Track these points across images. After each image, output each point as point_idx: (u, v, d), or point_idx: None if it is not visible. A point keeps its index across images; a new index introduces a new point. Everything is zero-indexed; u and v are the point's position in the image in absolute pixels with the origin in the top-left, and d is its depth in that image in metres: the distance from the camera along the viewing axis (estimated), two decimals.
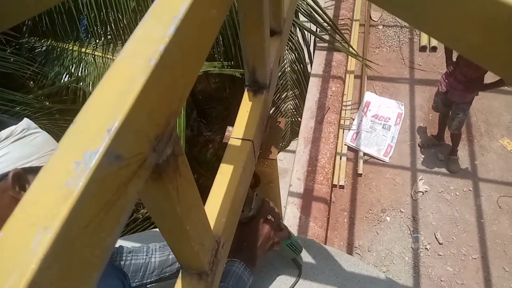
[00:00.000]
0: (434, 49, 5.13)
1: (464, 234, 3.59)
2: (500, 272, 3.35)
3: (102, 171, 0.34)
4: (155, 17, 0.46)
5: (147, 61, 0.41)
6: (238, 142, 0.88)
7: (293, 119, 4.51)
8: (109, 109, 0.37)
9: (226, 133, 1.04)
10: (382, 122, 4.51)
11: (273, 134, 1.05)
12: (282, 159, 4.45)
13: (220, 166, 0.84)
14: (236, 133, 0.90)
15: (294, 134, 4.55)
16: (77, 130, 0.35)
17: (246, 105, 0.95)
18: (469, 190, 3.88)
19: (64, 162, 0.34)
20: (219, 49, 3.97)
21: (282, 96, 4.33)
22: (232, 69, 4.05)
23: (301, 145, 3.49)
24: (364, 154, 4.25)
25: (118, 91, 0.38)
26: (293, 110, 4.44)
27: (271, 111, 4.30)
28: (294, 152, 4.51)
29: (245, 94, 0.98)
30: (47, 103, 3.97)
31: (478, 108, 4.42)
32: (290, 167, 4.33)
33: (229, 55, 4.09)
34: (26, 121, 0.76)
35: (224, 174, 0.81)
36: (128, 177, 0.38)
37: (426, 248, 3.56)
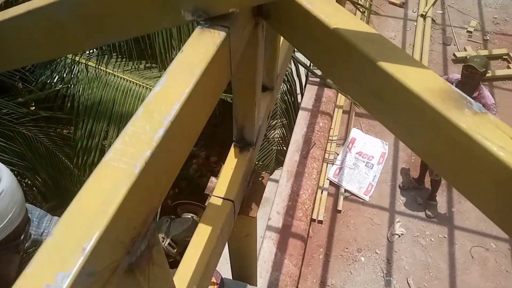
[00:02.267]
0: None
1: (435, 281, 3.61)
2: None
3: None
4: (146, 115, 0.46)
5: (131, 168, 0.41)
6: (219, 202, 0.88)
7: (279, 148, 4.53)
8: (87, 222, 0.37)
9: (209, 184, 1.04)
10: (366, 160, 4.56)
11: (255, 190, 1.05)
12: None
13: (198, 226, 0.84)
14: (218, 191, 0.90)
15: (279, 163, 4.56)
16: (52, 245, 0.35)
17: (231, 162, 0.96)
18: (444, 237, 3.92)
19: (35, 284, 0.33)
20: None
21: (271, 124, 4.36)
22: (224, 94, 4.08)
23: (284, 177, 3.50)
24: (345, 190, 4.28)
25: (99, 201, 0.38)
26: (280, 139, 4.47)
27: None
28: (277, 181, 4.52)
29: (232, 150, 0.99)
30: (33, 108, 3.91)
31: None
32: (272, 196, 4.32)
33: None
34: None
35: (201, 235, 0.81)
36: (98, 287, 0.38)
37: None
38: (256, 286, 1.53)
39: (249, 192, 1.04)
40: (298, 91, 4.49)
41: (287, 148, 4.46)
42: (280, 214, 3.34)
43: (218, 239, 0.83)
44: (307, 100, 4.16)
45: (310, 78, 4.37)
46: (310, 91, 4.25)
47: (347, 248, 3.88)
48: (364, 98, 0.55)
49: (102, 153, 3.62)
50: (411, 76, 0.47)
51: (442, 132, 0.45)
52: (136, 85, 3.89)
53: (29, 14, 0.61)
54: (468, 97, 0.45)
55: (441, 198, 4.17)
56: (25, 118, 3.65)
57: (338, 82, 0.60)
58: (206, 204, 1.07)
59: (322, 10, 0.57)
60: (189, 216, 0.95)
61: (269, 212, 3.38)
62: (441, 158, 0.47)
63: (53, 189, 4.01)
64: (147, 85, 3.86)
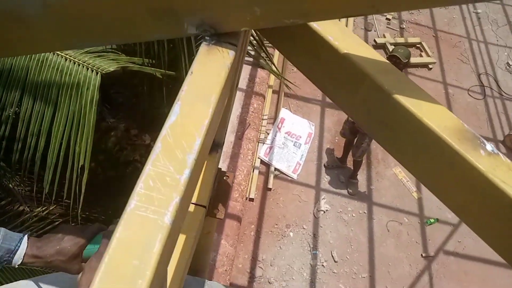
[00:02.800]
0: None
1: (356, 253, 3.92)
2: None
3: None
4: (167, 152, 0.42)
5: (162, 218, 0.38)
6: (191, 208, 0.84)
7: None
8: None
9: None
10: (294, 140, 4.71)
11: (221, 190, 1.02)
12: None
13: None
14: None
15: None
16: None
17: None
18: (364, 212, 4.25)
19: None
20: (141, 46, 3.75)
21: None
22: (153, 68, 3.87)
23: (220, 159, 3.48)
24: (275, 169, 4.40)
25: (133, 264, 0.34)
26: None
27: None
28: None
29: None
30: None
31: None
32: None
33: (151, 52, 3.89)
34: None
35: (176, 246, 0.77)
36: None
37: (323, 265, 3.81)
38: (206, 276, 1.52)
39: (215, 193, 1.01)
40: None
41: None
42: None
43: (192, 248, 0.80)
44: (241, 80, 4.13)
45: None
46: (244, 71, 4.23)
47: (276, 224, 4.03)
48: (371, 125, 0.56)
49: (15, 126, 3.25)
50: (428, 113, 0.49)
51: (457, 171, 0.47)
52: (53, 54, 3.52)
53: None
54: (480, 137, 0.47)
55: (361, 177, 4.48)
56: None
57: (340, 104, 0.60)
58: None
59: (330, 31, 0.55)
60: None
61: None
62: (451, 193, 0.49)
63: None
64: (66, 54, 3.52)
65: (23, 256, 0.83)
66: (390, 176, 4.54)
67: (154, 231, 0.36)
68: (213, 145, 0.95)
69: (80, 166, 3.02)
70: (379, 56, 0.55)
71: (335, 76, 0.57)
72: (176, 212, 0.38)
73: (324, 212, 4.19)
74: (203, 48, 0.51)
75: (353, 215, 4.20)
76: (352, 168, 4.38)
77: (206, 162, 0.94)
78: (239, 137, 3.72)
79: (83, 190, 2.93)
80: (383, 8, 0.46)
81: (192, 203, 0.85)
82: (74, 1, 0.49)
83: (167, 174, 0.40)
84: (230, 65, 0.50)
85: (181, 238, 0.80)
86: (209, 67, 0.49)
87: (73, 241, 0.88)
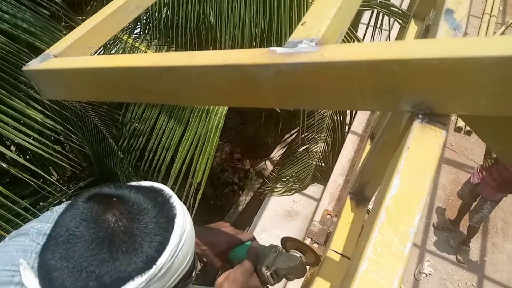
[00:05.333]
0: (468, 133, 5.12)
1: None
2: None
3: None
4: (391, 223, 0.46)
5: (390, 285, 0.42)
6: (336, 257, 0.87)
7: (318, 163, 4.50)
8: None
9: (311, 228, 1.04)
10: None
11: None
12: (297, 201, 4.43)
13: (316, 279, 0.83)
14: (335, 245, 0.89)
15: (315, 179, 4.54)
16: None
17: (347, 215, 0.95)
18: (473, 285, 3.84)
19: None
20: None
21: (315, 137, 4.34)
22: None
23: (325, 199, 3.49)
24: None
25: None
26: (320, 154, 4.44)
27: (300, 149, 4.22)
28: (309, 197, 4.50)
29: (347, 202, 0.98)
30: None
31: (499, 205, 4.39)
32: (303, 211, 4.31)
33: None
34: (179, 230, 0.60)
35: None
36: None
37: None
38: None
39: None
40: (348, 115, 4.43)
41: (325, 165, 4.43)
42: None
43: None
44: (357, 124, 4.12)
45: None
46: (362, 115, 4.21)
47: None
48: None
49: (148, 140, 3.61)
50: None
51: None
52: None
53: (224, 67, 0.61)
54: None
55: (474, 245, 4.07)
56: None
57: None
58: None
59: None
60: (298, 255, 0.94)
61: (306, 229, 3.36)
62: None
63: (95, 166, 4.09)
64: None
65: None
66: (510, 251, 4.05)
67: None
68: (361, 197, 0.98)
69: (197, 183, 3.27)
70: None
71: None
72: (401, 282, 0.41)
73: (427, 275, 3.88)
74: (417, 125, 0.55)
75: (459, 285, 3.82)
76: (465, 233, 4.01)
77: (353, 214, 0.97)
78: (348, 181, 3.67)
79: (196, 205, 3.16)
80: None
81: (338, 253, 0.88)
82: (307, 73, 0.57)
83: (392, 244, 0.44)
84: (443, 144, 0.53)
85: (325, 285, 0.83)
86: (424, 145, 0.53)
87: (227, 239, 0.96)
